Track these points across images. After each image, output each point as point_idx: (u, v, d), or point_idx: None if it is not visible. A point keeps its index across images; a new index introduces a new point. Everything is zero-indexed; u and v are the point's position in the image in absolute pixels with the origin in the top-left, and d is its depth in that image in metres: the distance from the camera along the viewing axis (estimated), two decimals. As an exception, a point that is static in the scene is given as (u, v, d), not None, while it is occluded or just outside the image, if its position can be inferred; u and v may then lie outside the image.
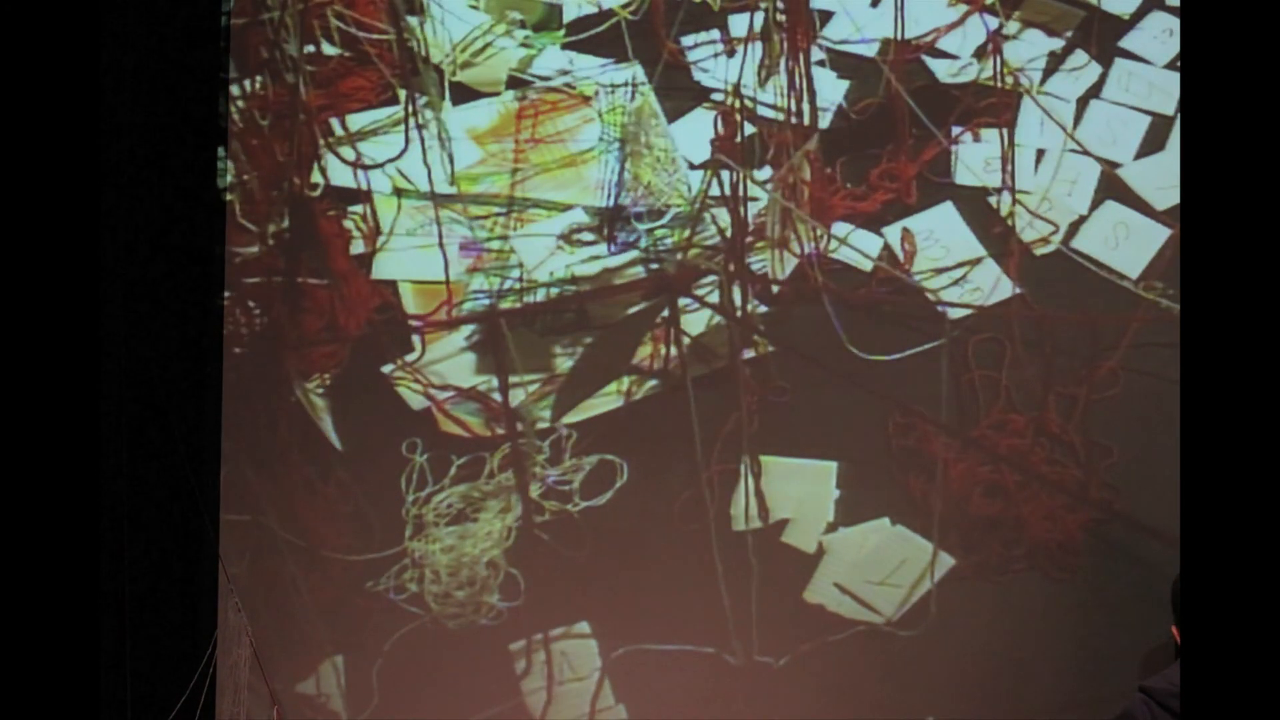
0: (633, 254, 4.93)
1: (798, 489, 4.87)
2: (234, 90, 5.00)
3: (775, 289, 4.86)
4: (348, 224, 5.00)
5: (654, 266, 4.90)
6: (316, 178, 5.00)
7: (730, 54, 4.93)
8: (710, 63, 4.95)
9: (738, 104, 4.91)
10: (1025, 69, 4.87)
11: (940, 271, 4.86)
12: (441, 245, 4.97)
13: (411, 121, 4.99)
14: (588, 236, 4.94)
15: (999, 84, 4.86)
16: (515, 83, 5.00)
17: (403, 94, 5.00)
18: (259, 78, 5.00)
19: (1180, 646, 3.60)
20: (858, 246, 4.88)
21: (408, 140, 4.98)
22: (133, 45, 4.86)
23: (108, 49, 4.77)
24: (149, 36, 4.90)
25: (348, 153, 4.99)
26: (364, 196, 5.00)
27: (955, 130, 4.88)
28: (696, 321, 4.90)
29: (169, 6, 4.96)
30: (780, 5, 4.90)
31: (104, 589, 4.77)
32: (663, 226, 4.93)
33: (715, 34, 4.95)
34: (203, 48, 4.98)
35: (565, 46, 4.99)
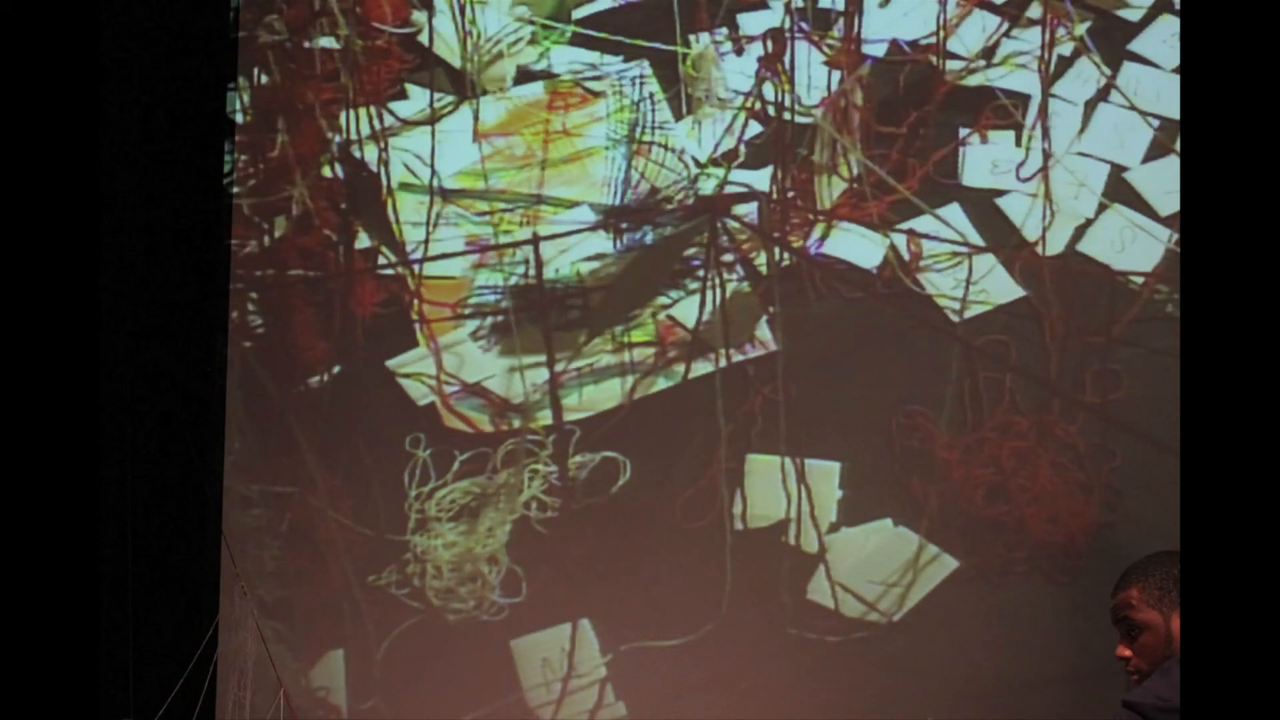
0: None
1: (800, 489, 4.86)
2: (242, 83, 5.01)
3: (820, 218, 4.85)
4: (354, 219, 5.01)
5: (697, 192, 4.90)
6: (324, 172, 5.01)
7: (739, 52, 4.93)
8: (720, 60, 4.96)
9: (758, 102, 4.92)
10: (1030, 65, 4.87)
11: (947, 269, 4.87)
12: (447, 241, 4.97)
13: (420, 116, 5.00)
14: (595, 232, 4.95)
15: (1043, 53, 4.83)
16: (524, 78, 5.00)
17: (412, 89, 5.00)
18: (267, 71, 5.01)
19: (1180, 644, 3.60)
20: (863, 247, 4.88)
21: (432, 133, 5.00)
22: (138, 37, 4.87)
23: (111, 42, 4.78)
24: (155, 28, 4.91)
25: (356, 147, 5.00)
26: (372, 191, 5.01)
27: (963, 132, 4.88)
28: (692, 310, 4.90)
29: (177, -1, 4.99)
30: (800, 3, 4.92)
31: (106, 574, 4.79)
32: (668, 219, 4.93)
33: (724, 32, 4.95)
34: (211, 40, 4.99)
35: (575, 43, 4.99)
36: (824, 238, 4.88)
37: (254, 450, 4.98)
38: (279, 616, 4.93)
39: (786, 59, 4.87)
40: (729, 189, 4.90)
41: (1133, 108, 4.83)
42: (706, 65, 4.83)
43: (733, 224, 4.91)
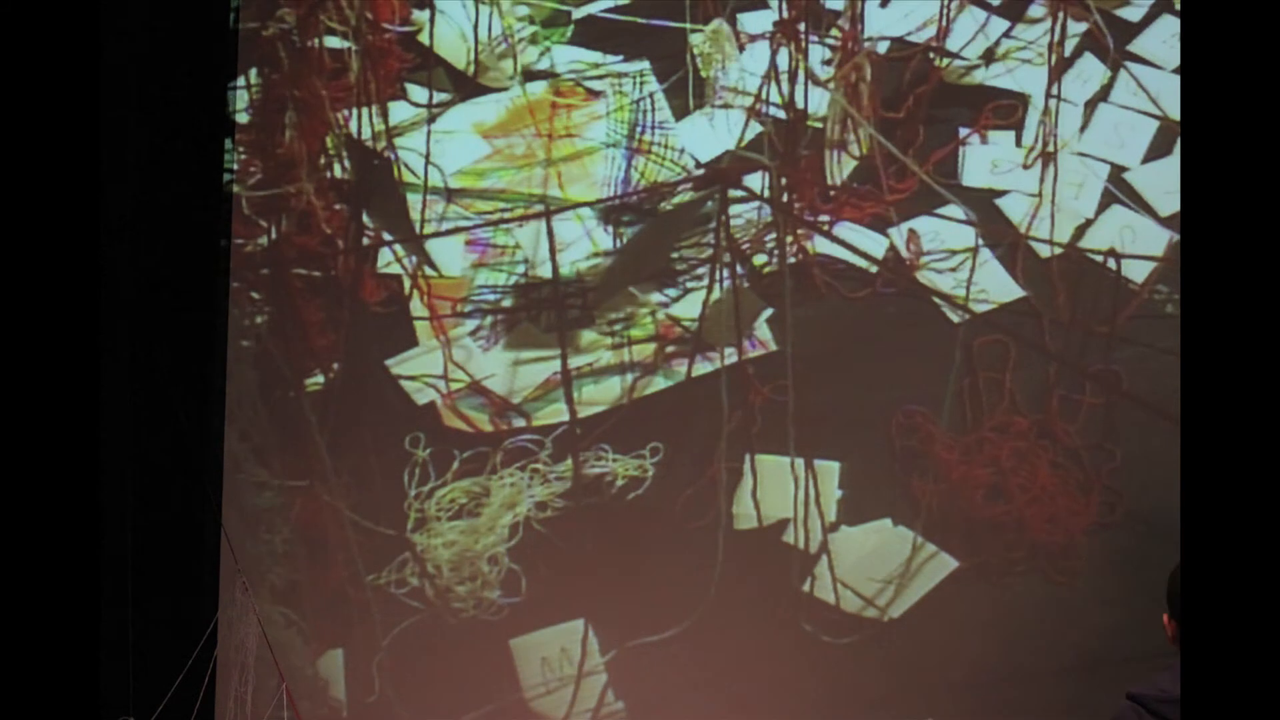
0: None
1: (800, 488, 4.87)
2: (243, 81, 5.00)
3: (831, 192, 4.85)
4: (357, 217, 5.01)
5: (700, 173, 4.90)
6: (324, 171, 5.00)
7: (740, 50, 4.93)
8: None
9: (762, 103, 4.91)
10: (1034, 62, 4.88)
11: (946, 271, 4.87)
12: (448, 240, 4.98)
13: (421, 115, 5.00)
14: (595, 230, 4.95)
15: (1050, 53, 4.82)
16: (524, 78, 5.00)
17: (412, 88, 5.00)
18: (275, 65, 5.01)
19: (1180, 643, 3.60)
20: (864, 247, 4.88)
21: (428, 133, 5.00)
22: (139, 36, 4.87)
23: (111, 40, 4.78)
24: (156, 27, 4.91)
25: (360, 145, 5.00)
26: (372, 190, 5.01)
27: (963, 132, 4.88)
28: (693, 309, 4.91)
29: (178, -3, 4.98)
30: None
31: (106, 572, 4.79)
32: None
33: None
34: (211, 38, 4.99)
35: (575, 43, 4.99)
36: (832, 224, 4.88)
37: (254, 449, 4.98)
38: (289, 602, 4.93)
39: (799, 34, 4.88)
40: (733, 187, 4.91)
41: (1157, 111, 4.83)
42: (722, 40, 4.83)
43: (735, 222, 4.91)
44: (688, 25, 4.93)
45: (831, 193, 4.84)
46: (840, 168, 4.86)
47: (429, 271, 4.97)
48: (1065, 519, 4.80)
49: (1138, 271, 4.83)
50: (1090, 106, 4.88)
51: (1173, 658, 3.80)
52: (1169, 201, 4.82)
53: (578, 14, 4.98)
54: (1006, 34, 4.89)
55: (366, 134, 5.00)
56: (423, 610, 4.93)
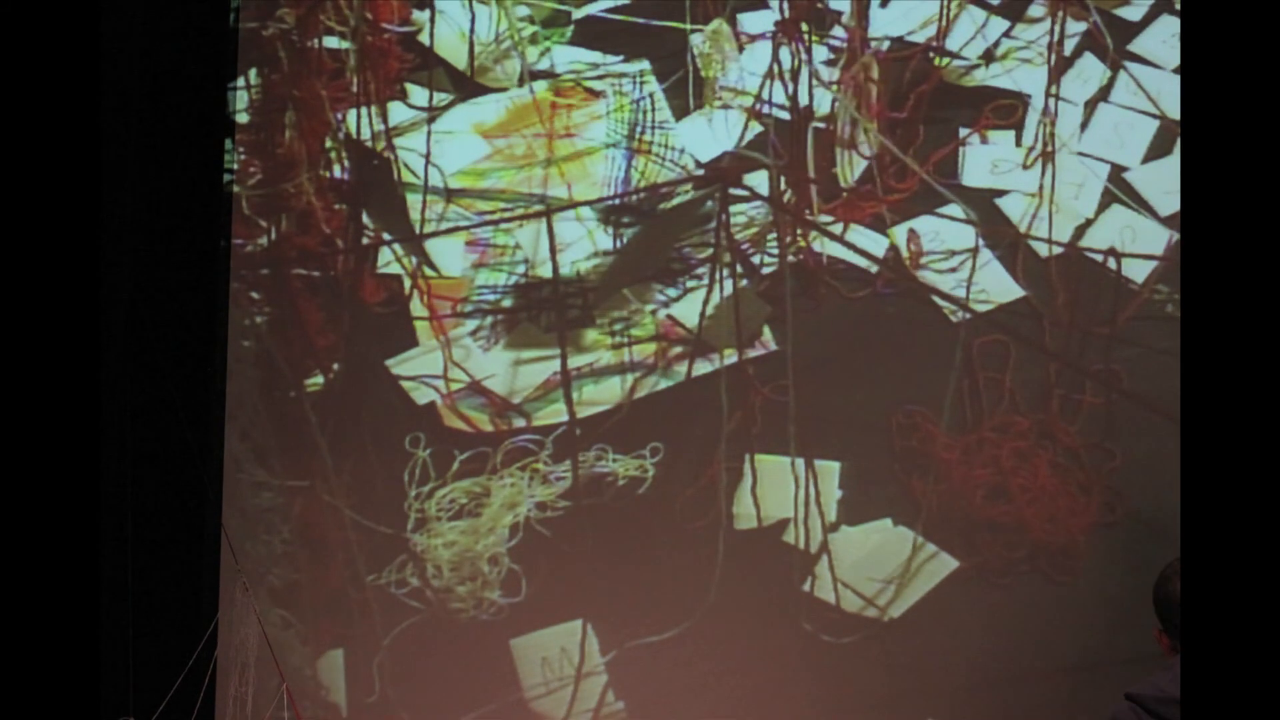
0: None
1: (800, 488, 4.87)
2: (242, 81, 5.00)
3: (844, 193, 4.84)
4: (357, 217, 5.01)
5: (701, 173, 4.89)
6: (324, 171, 5.00)
7: (740, 50, 4.93)
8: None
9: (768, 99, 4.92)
10: (1035, 61, 4.87)
11: (946, 272, 4.87)
12: (448, 240, 4.98)
13: (421, 115, 5.00)
14: (595, 230, 4.95)
15: (1049, 53, 4.82)
16: (524, 78, 5.00)
17: (412, 88, 5.00)
18: (274, 66, 5.01)
19: (1180, 643, 3.59)
20: (864, 247, 4.88)
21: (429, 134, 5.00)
22: (139, 35, 4.87)
23: (111, 40, 4.78)
24: (156, 27, 4.91)
25: (356, 145, 5.00)
26: (372, 190, 5.01)
27: (963, 132, 4.88)
28: (692, 309, 4.90)
29: (178, -3, 4.99)
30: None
31: (106, 573, 4.79)
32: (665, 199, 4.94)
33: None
34: (211, 38, 4.99)
35: (575, 43, 4.99)
36: (833, 224, 4.88)
37: (254, 449, 4.99)
38: (289, 602, 4.93)
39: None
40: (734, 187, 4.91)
41: (1156, 111, 4.83)
42: (722, 41, 4.83)
43: (736, 220, 4.91)
44: (687, 25, 4.93)
45: (845, 194, 4.84)
46: (852, 168, 4.86)
47: (429, 271, 4.98)
48: (1065, 519, 4.80)
49: (1138, 271, 4.83)
50: (1090, 106, 4.88)
51: (1172, 656, 3.81)
52: (1169, 201, 4.81)
53: (578, 14, 4.98)
54: (1006, 34, 4.89)
55: (366, 134, 5.00)
56: (423, 610, 4.93)
